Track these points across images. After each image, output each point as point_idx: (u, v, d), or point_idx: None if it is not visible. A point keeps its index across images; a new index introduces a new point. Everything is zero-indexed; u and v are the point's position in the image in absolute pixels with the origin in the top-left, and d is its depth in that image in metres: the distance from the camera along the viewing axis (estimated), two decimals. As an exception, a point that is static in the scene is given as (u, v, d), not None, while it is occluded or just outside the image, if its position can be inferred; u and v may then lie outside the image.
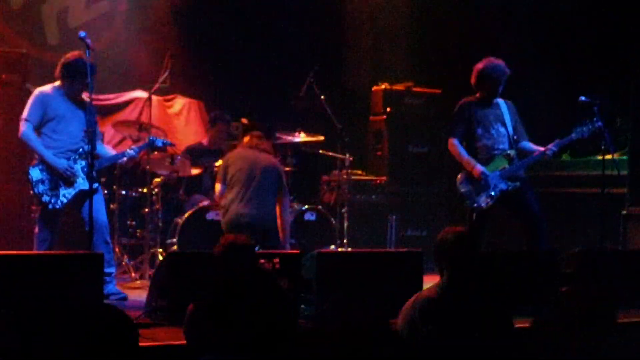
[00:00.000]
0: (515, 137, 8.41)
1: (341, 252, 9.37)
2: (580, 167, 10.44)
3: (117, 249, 9.28)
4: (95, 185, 7.69)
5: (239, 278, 4.87)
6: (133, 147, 8.46)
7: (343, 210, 10.11)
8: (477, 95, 8.47)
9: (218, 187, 8.82)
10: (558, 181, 10.63)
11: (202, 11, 11.60)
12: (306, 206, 9.91)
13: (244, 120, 10.89)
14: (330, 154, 10.48)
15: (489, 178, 8.24)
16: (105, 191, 9.57)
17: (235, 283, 4.80)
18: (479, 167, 8.25)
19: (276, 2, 12.10)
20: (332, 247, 9.69)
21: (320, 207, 10.06)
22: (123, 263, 9.30)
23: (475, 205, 8.28)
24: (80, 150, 7.76)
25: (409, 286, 6.14)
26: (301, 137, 10.21)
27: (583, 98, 8.37)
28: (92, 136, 7.40)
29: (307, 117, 11.06)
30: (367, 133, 11.67)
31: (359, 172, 11.07)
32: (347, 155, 10.19)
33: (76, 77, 7.73)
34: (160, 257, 8.92)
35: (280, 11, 12.11)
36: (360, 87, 12.03)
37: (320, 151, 10.57)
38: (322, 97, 10.29)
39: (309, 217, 9.82)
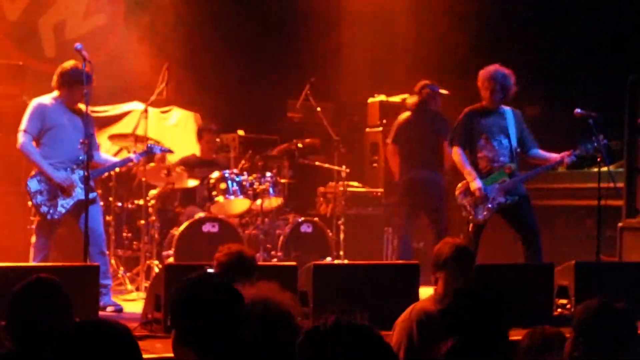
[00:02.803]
0: (517, 150, 8.36)
1: (337, 264, 9.37)
2: (576, 179, 10.45)
3: (113, 261, 9.26)
4: (93, 195, 7.70)
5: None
6: (134, 154, 8.50)
7: (339, 222, 10.11)
8: (483, 103, 8.43)
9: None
10: (554, 193, 10.64)
11: (199, 23, 11.62)
12: (302, 218, 9.92)
13: (241, 132, 10.90)
14: (326, 165, 10.49)
15: (487, 192, 8.22)
16: (101, 203, 9.56)
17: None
18: (478, 183, 8.21)
19: (273, 14, 12.13)
20: (328, 259, 9.69)
21: (316, 218, 10.07)
22: (119, 275, 9.28)
23: (472, 217, 8.29)
24: (79, 159, 7.77)
25: (406, 298, 6.14)
26: (299, 142, 10.23)
27: (579, 110, 8.39)
28: (88, 147, 7.42)
29: (304, 128, 11.07)
30: (364, 145, 11.68)
31: (356, 184, 11.08)
32: (344, 167, 10.21)
33: (73, 85, 7.76)
34: (156, 269, 8.91)
35: (277, 23, 12.15)
36: (357, 99, 12.05)
37: (317, 163, 10.58)
38: (319, 109, 10.31)
39: (305, 228, 9.82)
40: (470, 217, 8.29)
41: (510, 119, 8.38)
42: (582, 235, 9.82)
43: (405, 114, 9.75)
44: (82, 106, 7.82)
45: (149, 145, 8.65)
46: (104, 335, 2.77)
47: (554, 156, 8.38)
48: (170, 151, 9.29)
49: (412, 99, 9.76)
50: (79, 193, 7.79)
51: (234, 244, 5.41)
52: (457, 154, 8.38)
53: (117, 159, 8.51)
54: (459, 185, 8.42)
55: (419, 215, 9.84)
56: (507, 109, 8.43)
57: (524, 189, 8.49)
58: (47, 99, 7.94)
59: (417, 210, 9.79)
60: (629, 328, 3.73)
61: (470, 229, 8.33)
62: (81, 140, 7.55)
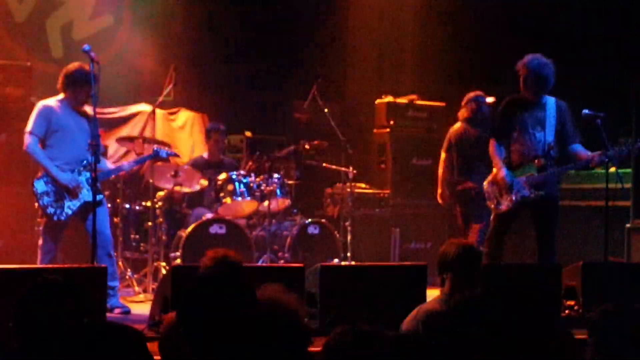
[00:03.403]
0: (552, 144, 8.16)
1: (344, 265, 9.37)
2: (584, 179, 10.43)
3: (120, 263, 9.29)
4: (100, 197, 7.71)
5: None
6: (140, 157, 8.54)
7: (346, 224, 10.11)
8: (523, 93, 8.26)
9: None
10: (562, 194, 10.61)
11: (205, 25, 11.63)
12: (309, 219, 9.92)
13: (248, 134, 10.90)
14: (333, 166, 10.48)
15: (513, 183, 8.14)
16: (109, 205, 9.57)
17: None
18: (503, 172, 8.16)
19: (280, 14, 12.13)
20: (336, 260, 9.69)
21: (323, 220, 10.06)
22: (126, 277, 9.29)
23: (494, 206, 8.26)
24: (85, 162, 7.78)
25: (413, 299, 6.13)
26: (306, 146, 10.21)
27: (586, 111, 8.32)
28: (96, 148, 7.43)
29: (311, 129, 11.07)
30: (371, 146, 11.67)
31: (363, 185, 11.07)
32: (351, 168, 10.20)
33: (78, 87, 7.78)
34: (164, 271, 8.91)
35: (284, 24, 12.15)
36: (364, 100, 12.05)
37: (324, 164, 10.57)
38: (326, 109, 10.30)
39: (312, 230, 9.82)
40: (493, 206, 8.28)
41: (551, 111, 8.19)
42: (590, 236, 9.80)
43: (457, 125, 9.68)
44: (88, 108, 7.84)
45: (155, 149, 8.65)
46: (116, 339, 2.75)
47: (587, 154, 8.14)
48: (176, 155, 9.29)
49: (461, 111, 9.70)
50: (85, 195, 7.80)
51: (220, 248, 5.35)
52: (491, 145, 8.31)
53: (124, 164, 8.51)
54: (490, 175, 8.38)
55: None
56: (550, 99, 8.24)
57: (557, 188, 8.36)
58: (53, 101, 7.96)
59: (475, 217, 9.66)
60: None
61: (492, 219, 8.33)
62: (89, 142, 7.55)
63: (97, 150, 7.47)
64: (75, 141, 7.84)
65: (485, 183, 8.36)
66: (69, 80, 7.84)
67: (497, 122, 8.40)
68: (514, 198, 8.14)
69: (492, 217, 8.35)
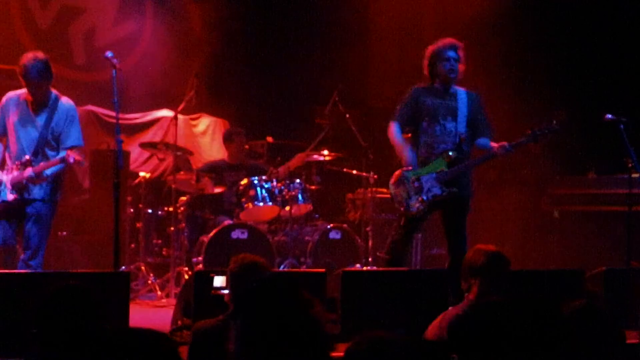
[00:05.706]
0: (462, 136, 7.42)
1: (366, 270, 9.36)
2: (606, 184, 10.38)
3: (143, 268, 9.33)
4: (9, 197, 7.41)
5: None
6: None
7: (368, 229, 10.10)
8: (430, 82, 7.63)
9: None
10: (584, 199, 10.58)
11: (227, 30, 11.66)
12: (331, 225, 9.92)
13: (270, 139, 10.92)
14: (355, 172, 10.48)
15: (422, 181, 7.41)
16: (131, 209, 9.62)
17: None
18: (409, 158, 7.47)
19: (301, 20, 12.15)
20: (357, 265, 9.68)
21: (345, 225, 10.06)
22: (149, 281, 9.33)
23: (404, 209, 7.44)
24: (17, 159, 7.48)
25: (435, 305, 6.12)
26: (326, 156, 10.21)
27: (609, 116, 8.23)
28: (37, 148, 7.31)
29: (332, 135, 11.07)
30: (392, 151, 11.63)
31: (384, 190, 11.03)
32: (372, 173, 10.19)
33: (24, 79, 7.42)
34: (186, 276, 8.94)
35: (305, 29, 12.16)
36: (385, 105, 12.03)
37: (345, 169, 10.57)
38: (347, 115, 10.31)
39: (334, 235, 9.82)
40: (402, 208, 7.47)
41: (464, 101, 7.45)
42: (613, 242, 9.75)
43: None
44: (65, 102, 7.56)
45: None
46: (142, 345, 2.73)
47: (492, 146, 7.38)
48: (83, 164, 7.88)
49: None
50: (2, 195, 7.46)
51: (247, 254, 5.27)
52: (390, 128, 7.64)
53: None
54: (394, 174, 7.61)
55: None
56: (460, 90, 7.54)
57: (469, 187, 7.58)
58: (15, 93, 7.64)
59: None
60: (613, 333, 3.63)
61: (402, 223, 7.51)
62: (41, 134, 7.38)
63: (119, 155, 7.11)
64: (18, 138, 7.54)
65: (390, 184, 7.60)
66: (20, 73, 7.50)
67: (402, 105, 7.57)
68: (425, 198, 7.38)
69: (402, 221, 7.49)
